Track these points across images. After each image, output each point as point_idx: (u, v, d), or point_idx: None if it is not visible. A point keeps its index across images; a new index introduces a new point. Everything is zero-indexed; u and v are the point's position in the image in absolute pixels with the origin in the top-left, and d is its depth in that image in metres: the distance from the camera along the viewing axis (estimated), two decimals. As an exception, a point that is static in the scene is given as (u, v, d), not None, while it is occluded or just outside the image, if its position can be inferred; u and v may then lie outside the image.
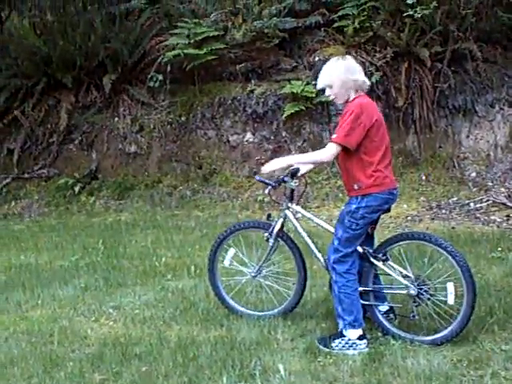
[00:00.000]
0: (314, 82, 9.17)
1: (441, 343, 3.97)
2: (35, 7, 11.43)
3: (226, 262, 4.77)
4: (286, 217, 4.58)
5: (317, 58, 9.77)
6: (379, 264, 4.22)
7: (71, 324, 4.77)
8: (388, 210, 4.32)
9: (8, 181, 10.24)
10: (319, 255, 4.46)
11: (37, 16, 11.27)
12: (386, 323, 4.23)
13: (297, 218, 4.60)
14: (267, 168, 4.34)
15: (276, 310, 4.69)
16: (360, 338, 4.07)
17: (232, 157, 9.52)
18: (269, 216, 4.74)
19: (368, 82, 4.30)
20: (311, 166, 4.65)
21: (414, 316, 4.15)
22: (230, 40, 10.19)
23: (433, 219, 7.82)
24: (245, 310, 4.79)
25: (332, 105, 9.34)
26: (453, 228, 7.47)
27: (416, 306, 4.15)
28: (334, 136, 4.11)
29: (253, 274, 4.74)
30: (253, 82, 9.94)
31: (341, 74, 4.13)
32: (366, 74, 8.95)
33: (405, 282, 4.16)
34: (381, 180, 4.09)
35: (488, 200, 8.19)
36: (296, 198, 4.66)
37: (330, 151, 4.11)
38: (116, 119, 10.52)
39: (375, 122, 4.07)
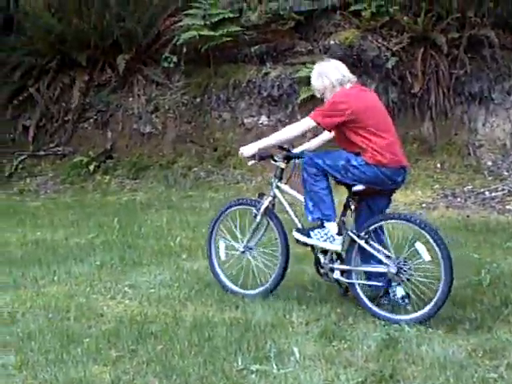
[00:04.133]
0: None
1: (421, 321, 4.07)
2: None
3: (222, 255, 4.93)
4: (275, 195, 4.75)
5: (332, 42, 9.74)
6: (361, 242, 4.33)
7: (87, 301, 4.79)
8: (391, 193, 4.56)
9: (23, 157, 10.28)
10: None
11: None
12: (367, 303, 4.33)
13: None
14: (247, 151, 4.59)
15: (258, 290, 4.79)
16: (339, 233, 4.37)
17: (246, 139, 9.44)
18: (260, 195, 4.90)
19: (354, 78, 4.57)
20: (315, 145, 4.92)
21: (394, 295, 4.31)
22: (246, 22, 10.15)
23: (447, 207, 7.82)
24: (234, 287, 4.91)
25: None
26: (468, 217, 7.47)
27: (397, 286, 4.28)
28: (312, 113, 4.40)
29: (241, 250, 4.88)
30: (268, 64, 9.92)
31: (327, 83, 4.49)
32: (381, 58, 9.12)
33: (385, 261, 4.24)
34: (392, 157, 4.28)
35: (503, 189, 8.18)
36: (285, 178, 4.80)
37: (303, 125, 4.45)
38: (131, 99, 10.53)
39: (362, 109, 4.29)
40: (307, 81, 9.21)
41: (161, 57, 10.42)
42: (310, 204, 4.44)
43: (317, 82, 4.56)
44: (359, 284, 4.39)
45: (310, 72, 8.89)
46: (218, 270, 5.00)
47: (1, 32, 11.11)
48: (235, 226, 4.97)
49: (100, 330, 4.22)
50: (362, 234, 4.34)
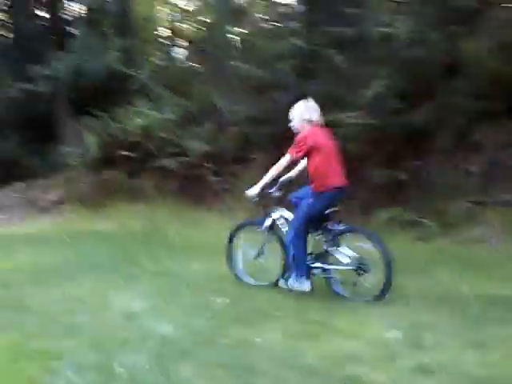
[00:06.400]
0: None
1: (373, 300, 6.03)
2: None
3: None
4: (273, 217, 6.90)
5: None
6: (331, 249, 6.38)
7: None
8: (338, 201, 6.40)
9: (468, 205, 9.88)
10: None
11: (494, 37, 10.73)
12: (340, 290, 6.44)
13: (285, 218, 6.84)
14: (252, 193, 6.56)
15: (268, 283, 6.94)
16: (305, 276, 6.41)
17: None
18: (266, 214, 6.97)
19: (320, 121, 6.48)
20: (289, 175, 6.91)
21: (355, 284, 6.27)
22: None
23: None
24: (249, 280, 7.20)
25: None
26: None
27: (359, 276, 6.21)
28: (289, 150, 6.37)
29: (253, 257, 7.04)
30: None
31: (298, 114, 6.55)
32: None
33: (346, 261, 6.26)
34: (329, 183, 6.24)
35: None
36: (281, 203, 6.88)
37: (283, 160, 6.38)
38: None
39: (316, 145, 6.24)
40: None
41: None
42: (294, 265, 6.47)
43: (299, 116, 6.54)
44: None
45: None
46: (239, 272, 7.24)
47: (444, 75, 10.98)
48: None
49: None
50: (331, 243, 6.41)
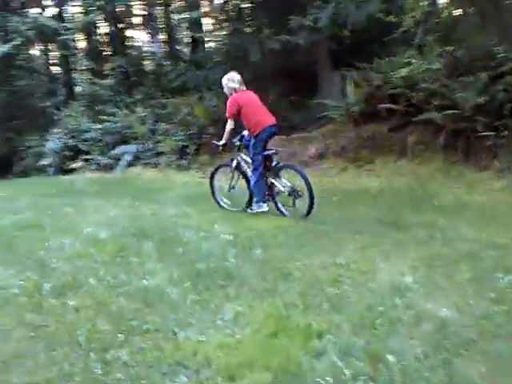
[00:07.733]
0: None
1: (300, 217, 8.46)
2: None
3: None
4: (237, 159, 9.32)
5: None
6: (274, 181, 8.83)
7: None
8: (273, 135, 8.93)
9: None
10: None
11: None
12: (283, 210, 8.88)
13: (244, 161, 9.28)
14: (219, 144, 9.15)
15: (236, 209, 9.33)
16: (263, 201, 8.77)
17: None
18: (231, 159, 9.42)
19: (241, 87, 8.93)
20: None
21: (291, 206, 8.75)
22: None
23: None
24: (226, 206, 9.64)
25: None
26: None
27: (294, 200, 8.67)
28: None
29: (227, 190, 9.56)
30: None
31: (225, 84, 9.01)
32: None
33: (284, 189, 8.71)
34: (260, 126, 8.66)
35: None
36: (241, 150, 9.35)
37: (228, 125, 8.78)
38: None
39: (243, 105, 8.70)
40: None
41: None
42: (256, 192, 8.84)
43: (225, 86, 9.01)
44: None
45: None
46: (218, 199, 9.70)
47: None
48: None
49: None
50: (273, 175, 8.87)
